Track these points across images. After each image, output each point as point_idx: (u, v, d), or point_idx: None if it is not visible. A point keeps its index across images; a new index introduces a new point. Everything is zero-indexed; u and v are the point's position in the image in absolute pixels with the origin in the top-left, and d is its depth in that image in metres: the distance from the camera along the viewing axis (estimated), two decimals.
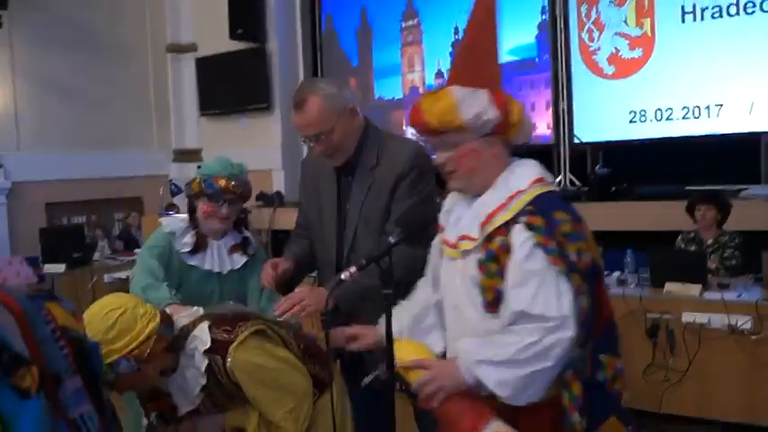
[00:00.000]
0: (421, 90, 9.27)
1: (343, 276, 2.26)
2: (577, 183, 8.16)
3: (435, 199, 2.79)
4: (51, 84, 9.62)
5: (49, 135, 9.61)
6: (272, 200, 9.51)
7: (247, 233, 3.20)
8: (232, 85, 10.08)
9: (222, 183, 2.95)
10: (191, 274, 3.02)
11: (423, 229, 2.46)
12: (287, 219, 9.48)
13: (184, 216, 3.13)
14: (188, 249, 3.00)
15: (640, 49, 7.54)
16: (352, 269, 2.26)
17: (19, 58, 9.32)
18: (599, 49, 7.78)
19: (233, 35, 9.88)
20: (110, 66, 10.19)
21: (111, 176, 9.75)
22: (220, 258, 3.06)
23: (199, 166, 3.13)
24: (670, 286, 4.90)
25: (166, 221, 3.10)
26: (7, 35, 9.13)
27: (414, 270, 2.60)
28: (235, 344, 2.30)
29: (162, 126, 10.98)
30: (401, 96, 9.54)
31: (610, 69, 7.74)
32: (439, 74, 9.09)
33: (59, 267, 7.74)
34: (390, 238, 2.30)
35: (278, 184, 9.81)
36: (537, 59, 8.32)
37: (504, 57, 8.45)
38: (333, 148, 2.77)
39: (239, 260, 3.10)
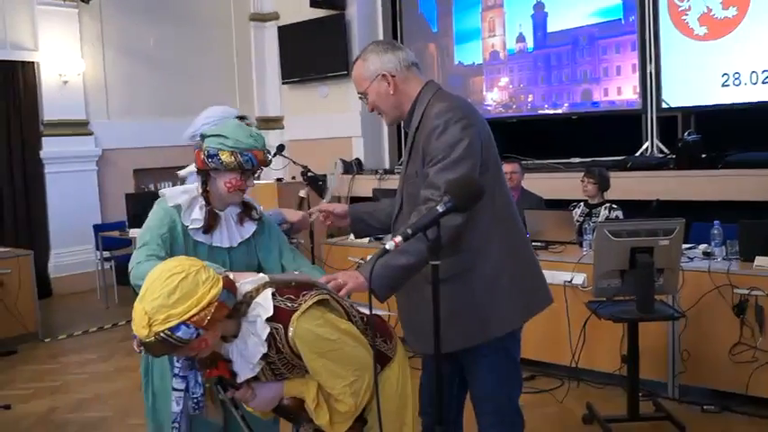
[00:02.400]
0: (501, 55, 9.08)
1: (387, 246, 2.20)
2: (665, 150, 7.89)
3: (472, 162, 2.62)
4: (139, 54, 9.87)
5: (137, 104, 9.89)
6: (350, 167, 9.52)
7: (246, 197, 3.03)
8: (313, 53, 10.12)
9: (260, 156, 2.83)
10: (198, 249, 2.88)
11: (472, 198, 2.34)
12: (365, 185, 9.54)
13: (186, 187, 2.96)
14: (198, 226, 2.86)
15: (734, 8, 7.17)
16: (398, 239, 2.19)
17: (108, 29, 9.58)
18: (689, 8, 7.45)
19: (313, 3, 9.92)
20: (195, 35, 10.39)
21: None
22: (229, 231, 2.96)
23: (209, 135, 2.82)
24: (761, 260, 4.64)
25: (169, 194, 2.88)
26: (97, 8, 9.40)
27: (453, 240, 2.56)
28: (297, 313, 2.24)
29: (245, 94, 11.13)
30: (481, 62, 9.35)
31: (701, 30, 7.40)
32: (520, 38, 8.88)
33: None
34: (438, 207, 2.23)
35: (357, 151, 9.82)
36: (623, 21, 8.01)
37: (588, 19, 8.22)
38: (373, 109, 2.87)
39: (249, 229, 3.00)
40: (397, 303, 2.93)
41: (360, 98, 2.89)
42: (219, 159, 2.76)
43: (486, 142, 2.71)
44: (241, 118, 3.07)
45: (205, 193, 2.86)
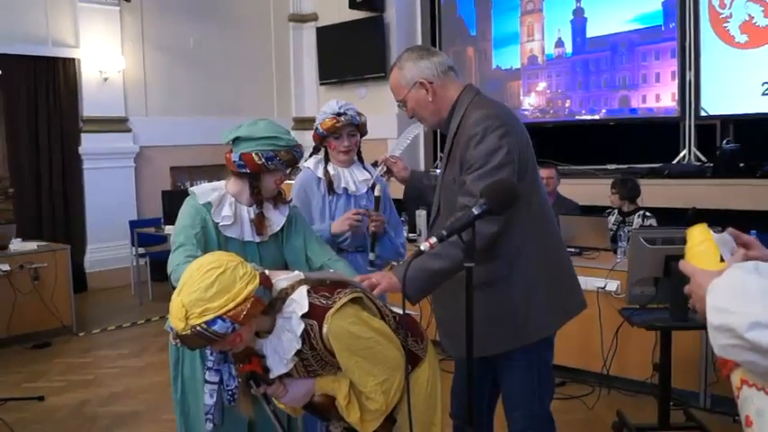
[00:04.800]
0: (540, 60, 9.04)
1: (422, 247, 2.20)
2: (703, 158, 7.80)
3: (509, 170, 2.58)
4: (178, 53, 9.98)
5: (176, 102, 10.00)
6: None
7: None
8: (350, 55, 10.15)
9: (300, 148, 2.96)
10: (230, 244, 2.92)
11: (507, 202, 2.32)
12: (399, 187, 9.44)
13: (215, 184, 3.00)
14: (228, 223, 2.90)
15: None
16: (432, 240, 2.19)
17: (149, 28, 9.70)
18: (730, 16, 7.36)
19: (352, 4, 9.94)
20: (234, 36, 10.48)
21: None
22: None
23: (258, 137, 2.87)
24: None
25: (199, 191, 2.92)
26: (139, 6, 9.51)
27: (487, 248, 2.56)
28: (332, 310, 2.27)
29: (282, 94, 11.20)
30: (519, 66, 9.33)
31: (742, 38, 7.32)
32: (559, 43, 8.84)
33: None
34: (474, 209, 2.22)
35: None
36: (663, 27, 7.95)
37: (628, 25, 8.16)
38: (413, 116, 2.86)
39: (279, 222, 3.03)
40: (433, 308, 2.94)
41: (399, 106, 2.87)
42: (280, 160, 2.84)
43: (523, 149, 2.68)
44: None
45: (257, 196, 2.91)
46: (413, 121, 2.96)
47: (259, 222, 2.94)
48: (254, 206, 2.96)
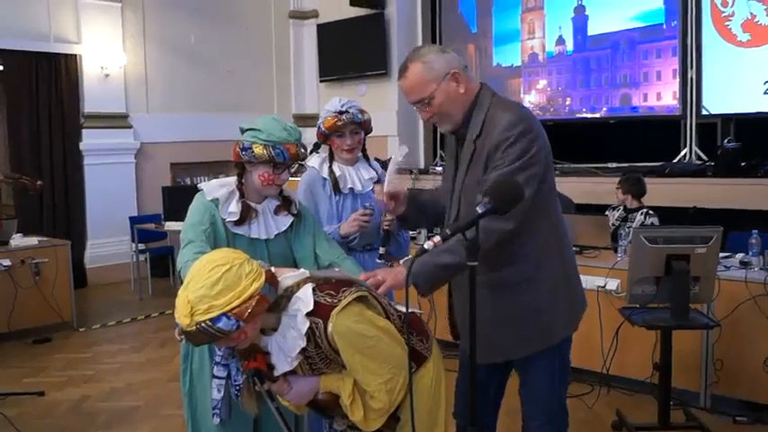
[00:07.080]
0: (540, 57, 9.03)
1: (426, 246, 2.18)
2: (704, 157, 7.79)
3: (535, 171, 2.55)
4: (180, 50, 9.98)
5: (176, 99, 9.99)
6: (386, 166, 9.51)
7: (285, 191, 3.06)
8: (351, 52, 10.16)
9: (293, 150, 2.85)
10: (238, 241, 2.92)
11: (511, 200, 2.28)
12: (401, 185, 9.41)
13: (224, 180, 3.00)
14: (235, 219, 2.88)
15: None
16: (437, 239, 2.17)
17: (150, 25, 9.70)
18: (733, 14, 7.36)
19: (353, 1, 9.93)
20: (235, 32, 10.48)
21: (233, 139, 9.96)
22: (266, 224, 2.98)
23: (246, 129, 2.88)
24: None
25: (207, 188, 2.92)
26: (140, 3, 9.53)
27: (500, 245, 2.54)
28: (337, 309, 2.27)
29: (283, 91, 11.20)
30: (519, 64, 9.33)
31: (744, 36, 7.31)
32: (560, 40, 8.83)
33: (179, 225, 8.06)
34: (478, 207, 2.19)
35: (393, 150, 9.81)
36: (664, 26, 7.94)
37: (629, 23, 8.15)
38: (436, 115, 2.71)
39: (285, 221, 3.02)
40: (455, 310, 2.92)
41: (417, 107, 2.71)
42: (252, 152, 2.81)
43: (547, 153, 2.67)
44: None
45: (240, 186, 2.91)
46: (412, 117, 2.92)
47: (242, 212, 2.91)
48: (262, 203, 2.96)
